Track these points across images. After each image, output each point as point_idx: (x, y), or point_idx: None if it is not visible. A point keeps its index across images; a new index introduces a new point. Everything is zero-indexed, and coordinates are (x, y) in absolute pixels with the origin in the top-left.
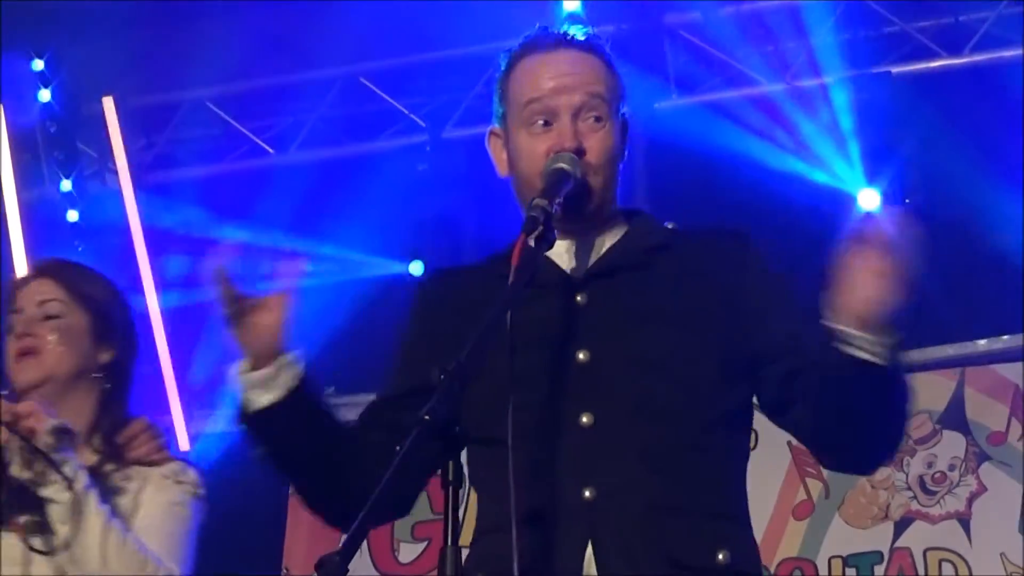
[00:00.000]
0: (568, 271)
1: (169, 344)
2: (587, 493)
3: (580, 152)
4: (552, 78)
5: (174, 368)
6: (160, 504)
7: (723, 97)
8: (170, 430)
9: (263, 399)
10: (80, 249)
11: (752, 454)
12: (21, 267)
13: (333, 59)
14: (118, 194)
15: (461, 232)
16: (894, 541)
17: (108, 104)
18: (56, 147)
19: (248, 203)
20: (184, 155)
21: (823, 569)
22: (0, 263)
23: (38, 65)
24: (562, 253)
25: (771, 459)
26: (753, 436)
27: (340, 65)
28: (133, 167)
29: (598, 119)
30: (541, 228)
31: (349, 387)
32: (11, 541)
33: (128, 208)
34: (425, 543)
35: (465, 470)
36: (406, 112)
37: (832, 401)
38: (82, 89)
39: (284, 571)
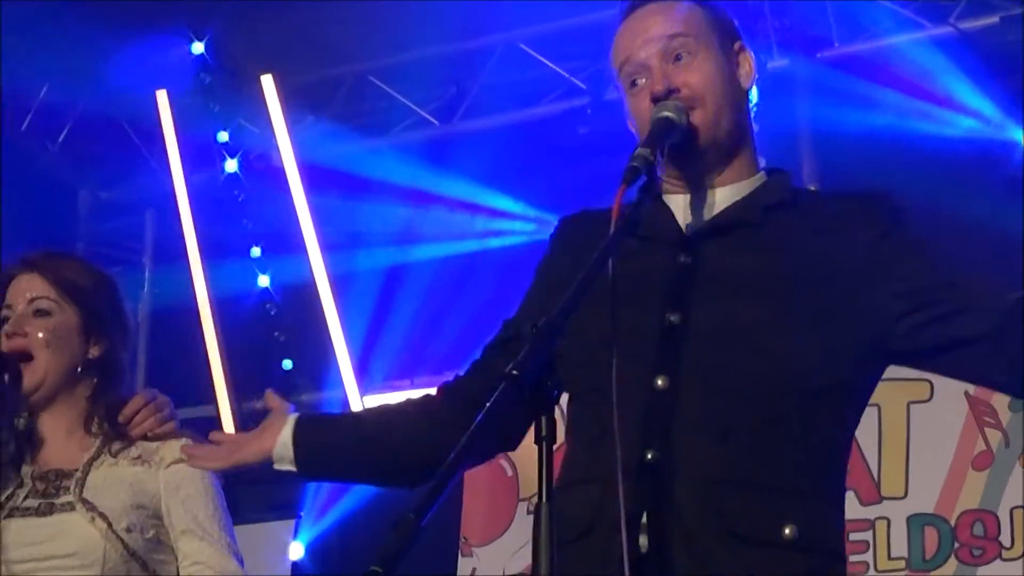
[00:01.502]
0: (683, 227)
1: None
2: (649, 455)
3: (671, 91)
4: (633, 37)
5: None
6: (188, 498)
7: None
8: (345, 403)
9: (290, 467)
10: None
11: (927, 406)
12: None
13: (493, 27)
14: (283, 173)
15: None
16: None
17: (268, 82)
18: (220, 128)
19: (416, 176)
20: (348, 130)
21: (1005, 520)
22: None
23: (197, 48)
24: (683, 207)
25: (948, 410)
26: (928, 388)
27: (500, 32)
28: (297, 144)
29: (686, 54)
30: (645, 179)
31: None
32: None
33: (292, 187)
34: None
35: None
36: (567, 76)
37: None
38: (243, 68)
39: (463, 540)
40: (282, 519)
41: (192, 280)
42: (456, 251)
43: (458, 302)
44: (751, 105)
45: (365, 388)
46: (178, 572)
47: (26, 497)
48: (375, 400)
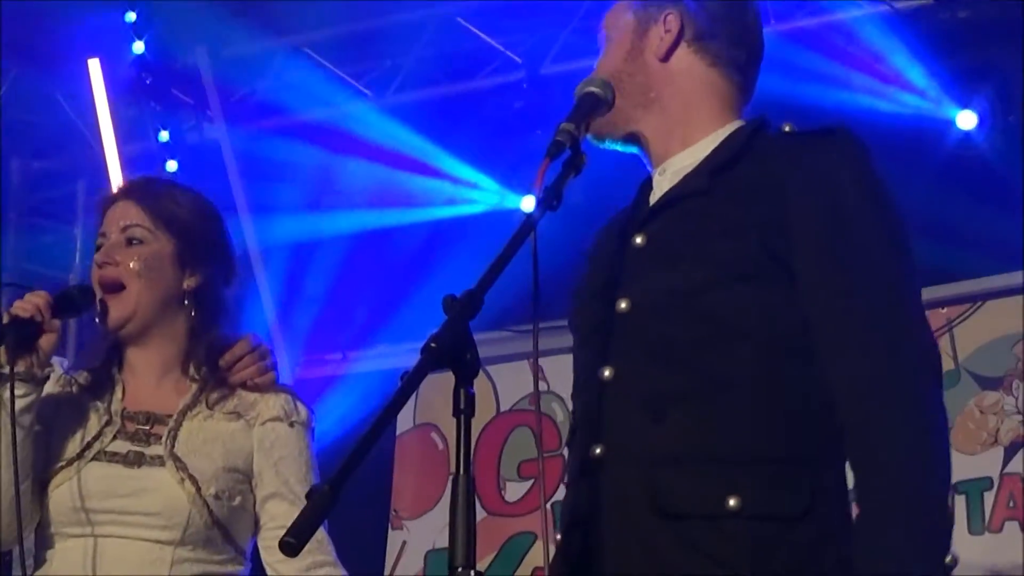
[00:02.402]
0: (650, 205)
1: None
2: (597, 450)
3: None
4: None
5: (278, 313)
6: (281, 460)
7: (808, 24)
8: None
9: None
10: None
11: None
12: None
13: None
14: (216, 144)
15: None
16: (1004, 467)
17: (202, 54)
18: (153, 98)
19: (350, 147)
20: (283, 102)
21: None
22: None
23: (131, 17)
24: (658, 183)
25: None
26: None
27: (435, 5)
28: (231, 116)
29: (606, 41)
30: (569, 153)
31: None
32: None
33: (226, 158)
34: (531, 481)
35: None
36: (502, 50)
37: None
38: (177, 39)
39: (393, 513)
40: None
41: None
42: (379, 223)
43: (373, 278)
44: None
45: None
46: (254, 543)
47: (114, 438)
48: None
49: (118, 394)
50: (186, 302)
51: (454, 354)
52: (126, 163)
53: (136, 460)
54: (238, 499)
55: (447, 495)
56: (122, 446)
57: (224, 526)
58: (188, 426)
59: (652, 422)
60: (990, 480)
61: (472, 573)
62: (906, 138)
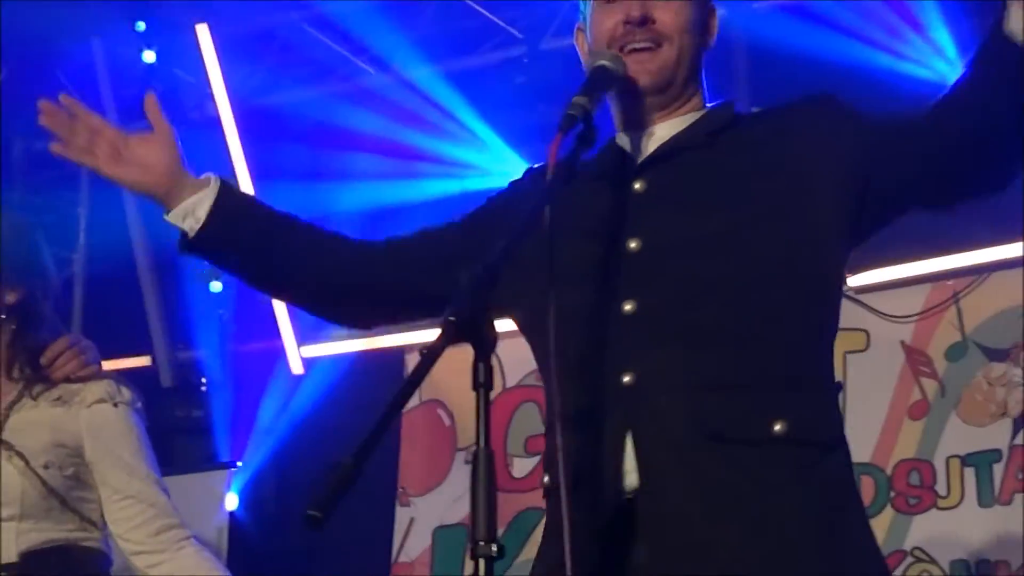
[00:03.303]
0: (634, 158)
1: None
2: (626, 379)
3: (645, 20)
4: None
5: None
6: (111, 437)
7: None
8: (282, 354)
9: (193, 224)
10: None
11: (864, 356)
12: None
13: None
14: (218, 122)
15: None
16: (1013, 438)
17: (203, 31)
18: (155, 78)
19: (350, 122)
20: (284, 80)
21: (941, 469)
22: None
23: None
24: (628, 143)
25: (884, 360)
26: (864, 337)
27: None
28: (232, 93)
29: None
30: (582, 127)
31: None
32: None
33: (228, 136)
34: (538, 457)
35: (504, 373)
36: (503, 25)
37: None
38: (178, 17)
39: (400, 490)
40: (217, 469)
41: (129, 230)
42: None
43: None
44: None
45: (303, 338)
46: (102, 512)
47: None
48: (313, 350)
49: None
50: (6, 317)
51: (472, 328)
52: None
53: None
54: (70, 470)
55: (454, 471)
56: None
57: (60, 495)
58: (15, 417)
59: (691, 351)
60: (999, 452)
61: (494, 547)
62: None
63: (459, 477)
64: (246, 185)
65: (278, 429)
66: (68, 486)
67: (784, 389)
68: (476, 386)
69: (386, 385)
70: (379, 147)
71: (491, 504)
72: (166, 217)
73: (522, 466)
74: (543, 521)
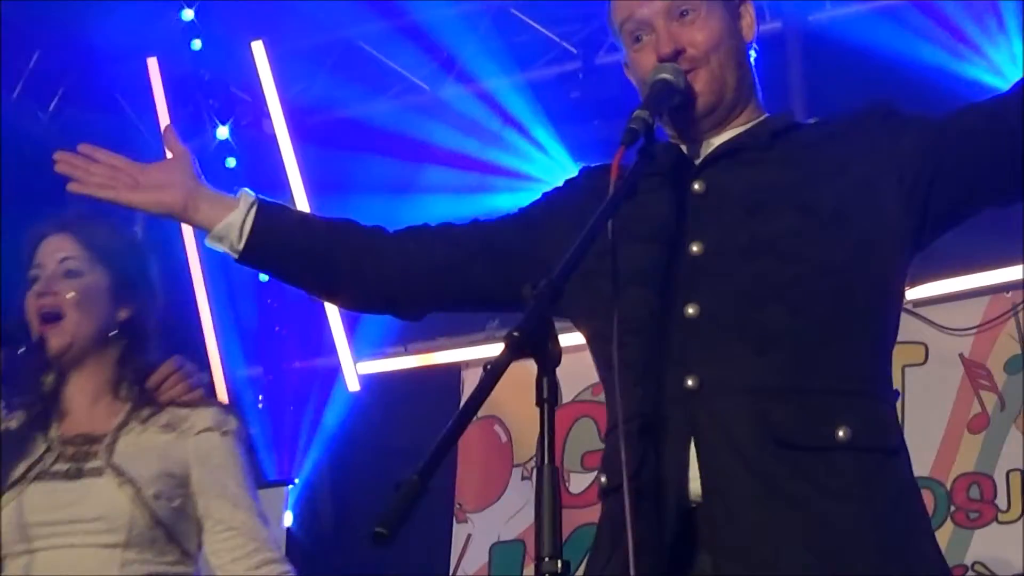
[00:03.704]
0: (691, 160)
1: None
2: (689, 383)
3: (679, 52)
4: None
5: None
6: (218, 467)
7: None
8: (339, 371)
9: (238, 241)
10: None
11: (923, 369)
12: None
13: None
14: (274, 139)
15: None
16: None
17: (258, 48)
18: (211, 95)
19: (405, 139)
20: (341, 96)
21: (1001, 482)
22: None
23: (188, 15)
24: (688, 149)
25: (943, 373)
26: (923, 350)
27: None
28: (289, 110)
29: (691, 11)
30: (643, 141)
31: None
32: None
33: (284, 153)
34: (594, 473)
35: (561, 389)
36: (558, 40)
37: None
38: (234, 35)
39: (457, 506)
40: (273, 487)
41: (184, 247)
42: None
43: None
44: (751, 56)
45: (359, 355)
46: (198, 543)
47: (54, 462)
48: (369, 367)
49: (54, 422)
50: (119, 332)
51: (537, 343)
52: None
53: (75, 474)
54: (177, 501)
55: (511, 488)
56: (62, 466)
57: (166, 525)
58: (124, 440)
59: (755, 355)
60: None
61: (559, 564)
62: None
63: (516, 493)
64: (301, 200)
65: (334, 446)
66: (175, 518)
67: (846, 394)
68: (540, 401)
69: (442, 402)
70: (446, 159)
71: (556, 520)
72: (207, 242)
73: (579, 481)
74: None
